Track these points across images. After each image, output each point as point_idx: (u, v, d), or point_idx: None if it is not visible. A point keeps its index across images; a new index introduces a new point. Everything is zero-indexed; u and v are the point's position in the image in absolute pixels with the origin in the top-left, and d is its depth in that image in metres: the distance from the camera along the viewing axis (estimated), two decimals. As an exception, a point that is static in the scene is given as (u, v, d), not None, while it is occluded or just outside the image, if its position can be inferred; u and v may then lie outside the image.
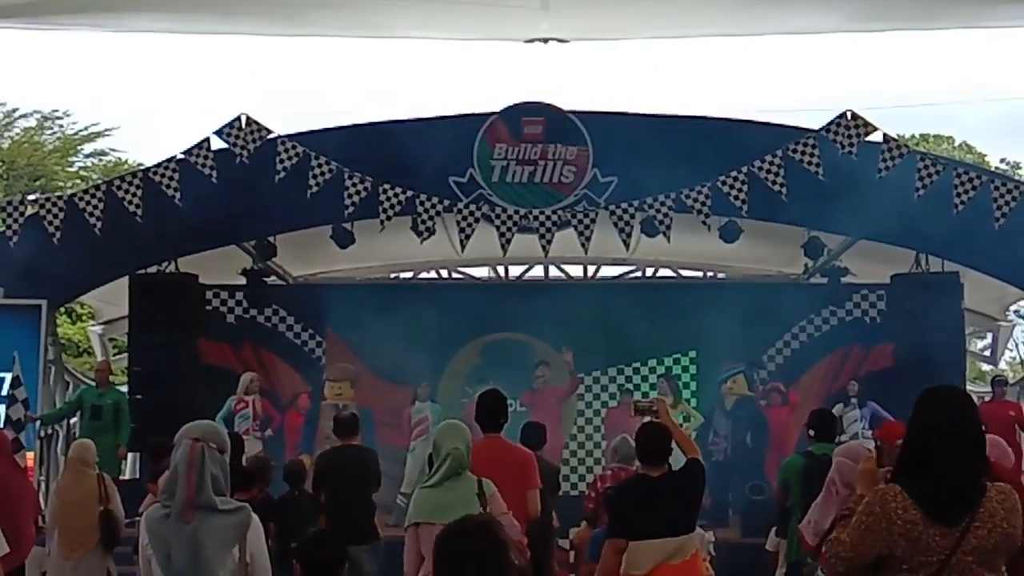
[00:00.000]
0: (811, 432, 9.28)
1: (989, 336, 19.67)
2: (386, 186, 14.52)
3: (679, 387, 15.84)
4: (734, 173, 14.45)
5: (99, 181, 18.68)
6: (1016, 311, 24.71)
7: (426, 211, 14.65)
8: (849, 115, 14.48)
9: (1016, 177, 27.78)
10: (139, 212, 14.43)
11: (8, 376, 14.45)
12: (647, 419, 7.59)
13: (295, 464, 11.02)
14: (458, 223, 14.83)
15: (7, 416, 14.24)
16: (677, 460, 7.38)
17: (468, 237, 14.88)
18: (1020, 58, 43.95)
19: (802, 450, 9.83)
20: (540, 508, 7.63)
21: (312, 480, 10.11)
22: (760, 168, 14.40)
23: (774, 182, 14.37)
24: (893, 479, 4.21)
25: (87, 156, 32.58)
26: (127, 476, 15.21)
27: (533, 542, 7.52)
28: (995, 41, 43.41)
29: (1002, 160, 38.99)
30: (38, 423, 14.85)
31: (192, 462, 4.81)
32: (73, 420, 15.34)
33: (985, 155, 38.57)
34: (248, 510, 4.92)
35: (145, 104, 44.96)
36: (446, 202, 14.73)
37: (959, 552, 4.04)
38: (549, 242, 14.91)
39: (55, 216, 14.51)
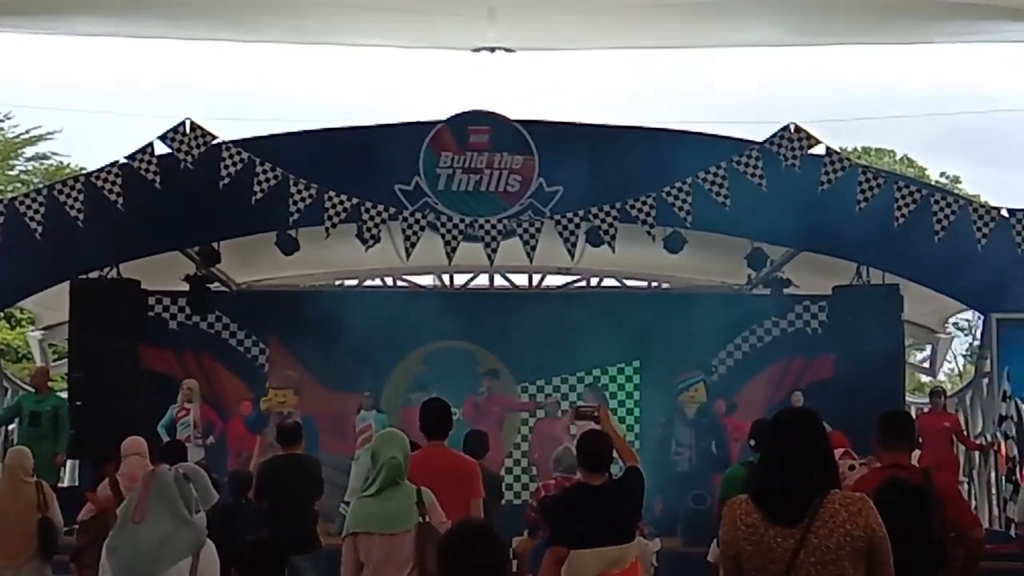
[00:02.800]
0: (751, 442, 9.33)
1: (928, 348, 19.92)
2: (331, 193, 14.49)
3: (606, 399, 15.84)
4: (679, 184, 14.56)
5: (40, 185, 18.47)
6: (955, 323, 25.00)
7: (371, 219, 14.63)
8: (792, 128, 14.66)
9: (955, 191, 28.12)
10: (81, 217, 14.31)
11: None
12: (588, 425, 7.59)
13: (241, 473, 10.95)
14: (403, 231, 14.82)
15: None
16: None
17: (413, 245, 14.87)
18: (960, 73, 44.59)
19: (744, 460, 9.89)
20: (483, 517, 7.62)
21: (255, 488, 10.06)
22: (704, 179, 14.52)
23: (718, 193, 14.49)
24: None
25: (28, 160, 32.19)
26: (65, 484, 15.03)
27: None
28: (936, 56, 43.99)
29: (942, 174, 39.47)
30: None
31: (151, 476, 4.80)
32: (11, 427, 15.16)
33: (925, 169, 39.05)
34: (202, 528, 4.91)
35: (88, 107, 44.60)
36: (391, 210, 14.72)
37: (802, 553, 4.18)
38: (494, 251, 14.93)
39: (-5, 220, 14.37)
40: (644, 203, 14.60)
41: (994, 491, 15.42)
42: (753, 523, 4.26)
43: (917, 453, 15.27)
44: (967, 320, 27.33)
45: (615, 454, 7.34)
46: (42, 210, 14.34)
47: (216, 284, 16.86)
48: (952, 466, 15.07)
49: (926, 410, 15.89)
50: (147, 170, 14.30)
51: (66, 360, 16.66)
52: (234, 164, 14.36)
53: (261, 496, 9.91)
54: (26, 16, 14.28)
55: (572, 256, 15.40)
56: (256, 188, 14.31)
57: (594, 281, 19.44)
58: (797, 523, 4.20)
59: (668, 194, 14.56)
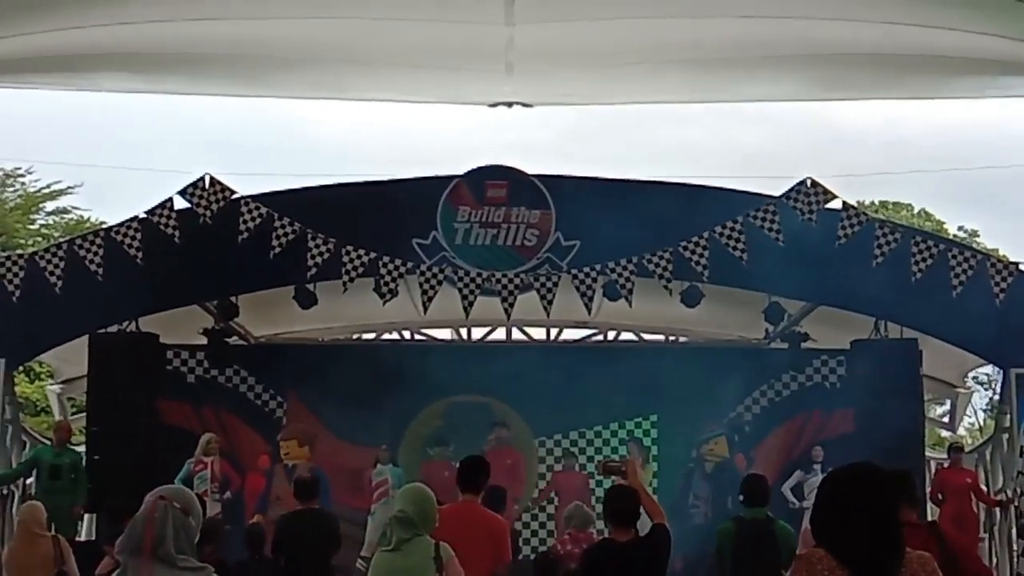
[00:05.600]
0: (741, 497, 9.31)
1: (948, 402, 19.78)
2: (349, 248, 14.54)
3: (646, 453, 15.81)
4: (695, 238, 14.58)
5: (60, 239, 18.57)
6: (974, 378, 24.86)
7: (389, 273, 14.67)
8: (809, 182, 14.70)
9: (973, 245, 28.09)
10: (100, 271, 14.38)
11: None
12: (615, 480, 7.54)
13: (256, 528, 10.91)
14: (421, 285, 14.85)
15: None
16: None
17: (431, 299, 14.90)
18: (977, 127, 44.60)
19: (734, 515, 9.87)
20: None
21: (272, 544, 10.03)
22: (721, 234, 14.54)
23: (735, 248, 14.50)
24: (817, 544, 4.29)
25: (49, 214, 32.44)
26: (82, 537, 15.00)
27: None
28: (953, 110, 44.06)
29: (960, 228, 39.41)
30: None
31: (151, 517, 4.75)
32: (29, 480, 15.13)
33: (943, 223, 38.97)
34: (210, 570, 4.86)
35: (108, 162, 44.93)
36: (409, 264, 14.76)
37: None
38: (511, 305, 14.95)
39: (15, 274, 14.45)
40: (661, 257, 14.62)
41: (1014, 547, 15.28)
42: None
43: (938, 510, 15.22)
44: (987, 374, 27.17)
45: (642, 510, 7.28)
46: (62, 264, 14.42)
47: (234, 338, 16.90)
48: (973, 522, 14.96)
49: (946, 465, 15.79)
50: (166, 225, 14.38)
51: (84, 414, 16.70)
52: (252, 219, 14.44)
53: (278, 552, 9.88)
54: (48, 72, 14.41)
55: (589, 310, 15.40)
56: (274, 242, 14.38)
57: (611, 335, 19.42)
58: None
59: (685, 248, 14.58)
